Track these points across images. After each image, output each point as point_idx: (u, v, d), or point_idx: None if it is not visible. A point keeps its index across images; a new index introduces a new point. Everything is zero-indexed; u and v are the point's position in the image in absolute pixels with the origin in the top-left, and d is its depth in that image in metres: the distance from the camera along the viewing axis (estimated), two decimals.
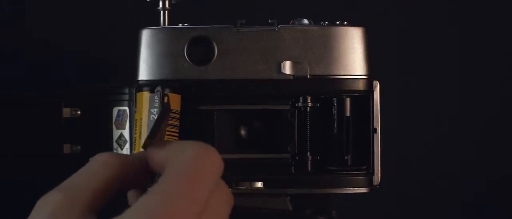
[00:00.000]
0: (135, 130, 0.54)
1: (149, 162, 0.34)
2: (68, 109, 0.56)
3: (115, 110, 0.57)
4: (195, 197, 0.31)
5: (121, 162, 0.34)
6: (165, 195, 0.31)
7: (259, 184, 0.55)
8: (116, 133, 0.57)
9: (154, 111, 0.53)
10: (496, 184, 0.79)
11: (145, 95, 0.54)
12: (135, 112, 0.55)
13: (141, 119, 0.54)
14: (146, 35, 0.56)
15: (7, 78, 0.74)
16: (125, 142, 0.56)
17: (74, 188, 0.33)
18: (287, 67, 0.55)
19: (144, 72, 0.56)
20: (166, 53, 0.55)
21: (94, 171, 0.34)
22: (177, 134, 0.53)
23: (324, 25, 0.56)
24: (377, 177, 0.56)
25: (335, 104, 0.56)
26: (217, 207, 0.33)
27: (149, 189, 0.32)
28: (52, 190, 0.33)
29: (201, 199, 0.31)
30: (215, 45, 0.55)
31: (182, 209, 0.31)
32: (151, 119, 0.54)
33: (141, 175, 0.35)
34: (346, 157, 0.56)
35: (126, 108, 0.57)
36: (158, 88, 0.54)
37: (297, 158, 0.56)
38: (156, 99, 0.53)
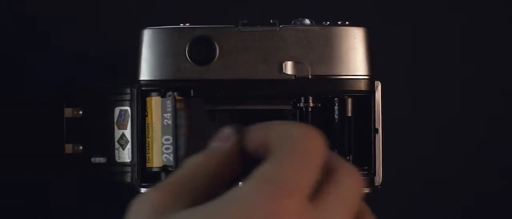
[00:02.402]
0: (148, 134, 0.55)
1: (248, 145, 0.34)
2: (70, 109, 0.56)
3: (117, 110, 0.57)
4: (307, 170, 0.31)
5: (217, 156, 0.34)
6: (281, 165, 0.31)
7: None
8: (117, 133, 0.57)
9: (167, 116, 0.54)
10: (496, 184, 0.79)
11: (155, 100, 0.54)
12: (146, 115, 0.55)
13: (153, 123, 0.54)
14: (147, 35, 0.56)
15: (7, 78, 0.74)
16: (127, 142, 0.56)
17: (176, 184, 0.33)
18: (288, 68, 0.55)
19: (145, 72, 0.56)
20: (167, 53, 0.55)
21: (197, 164, 0.34)
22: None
23: (326, 25, 0.56)
24: (379, 177, 0.56)
25: (337, 104, 0.56)
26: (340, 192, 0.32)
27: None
28: (148, 189, 0.33)
29: (313, 173, 0.32)
30: (216, 45, 0.55)
31: (296, 178, 0.31)
32: (165, 123, 0.54)
33: (233, 168, 0.34)
34: (347, 158, 0.56)
35: (128, 108, 0.57)
36: (170, 93, 0.54)
37: None
38: (168, 104, 0.54)
